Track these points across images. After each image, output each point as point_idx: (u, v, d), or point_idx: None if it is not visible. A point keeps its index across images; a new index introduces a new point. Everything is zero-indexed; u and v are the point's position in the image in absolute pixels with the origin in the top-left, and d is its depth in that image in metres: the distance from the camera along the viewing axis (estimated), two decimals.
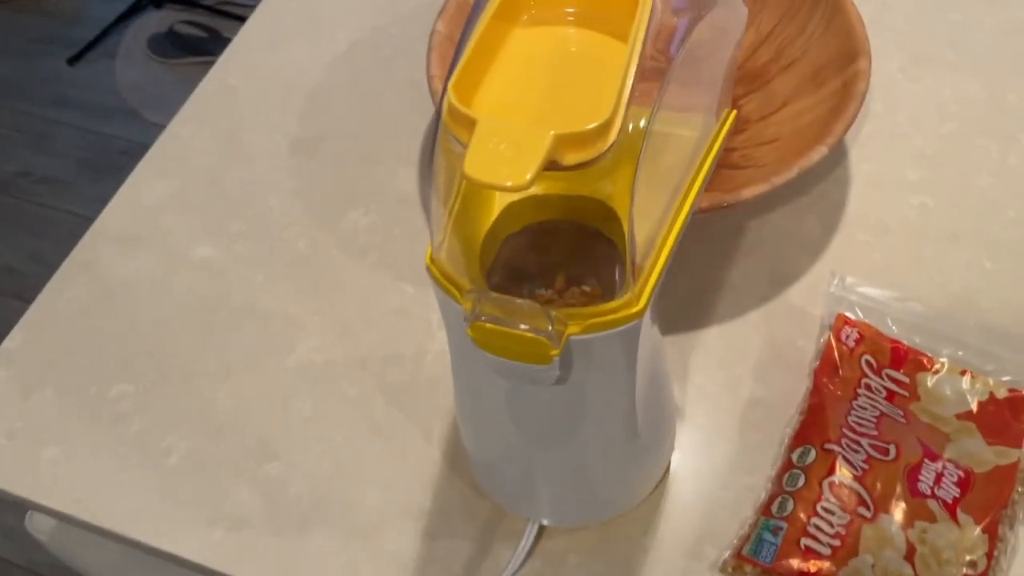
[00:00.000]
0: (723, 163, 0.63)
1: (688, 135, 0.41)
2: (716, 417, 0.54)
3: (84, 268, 0.65)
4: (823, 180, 0.65)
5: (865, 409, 0.52)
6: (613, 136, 0.31)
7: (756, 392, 0.56)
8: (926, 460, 0.50)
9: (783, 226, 0.63)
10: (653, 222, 0.38)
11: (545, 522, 0.51)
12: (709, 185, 0.42)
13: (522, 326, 0.34)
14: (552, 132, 0.30)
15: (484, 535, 0.52)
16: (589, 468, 0.47)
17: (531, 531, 0.50)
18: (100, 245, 0.66)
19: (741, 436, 0.54)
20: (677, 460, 0.53)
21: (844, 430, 0.51)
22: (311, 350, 0.60)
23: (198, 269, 0.64)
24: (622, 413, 0.43)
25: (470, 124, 0.31)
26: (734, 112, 0.44)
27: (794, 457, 0.51)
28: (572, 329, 0.35)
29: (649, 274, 0.37)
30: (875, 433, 0.51)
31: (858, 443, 0.50)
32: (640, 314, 0.36)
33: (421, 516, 0.53)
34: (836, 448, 0.50)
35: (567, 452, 0.45)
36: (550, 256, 0.40)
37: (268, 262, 0.64)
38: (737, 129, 0.64)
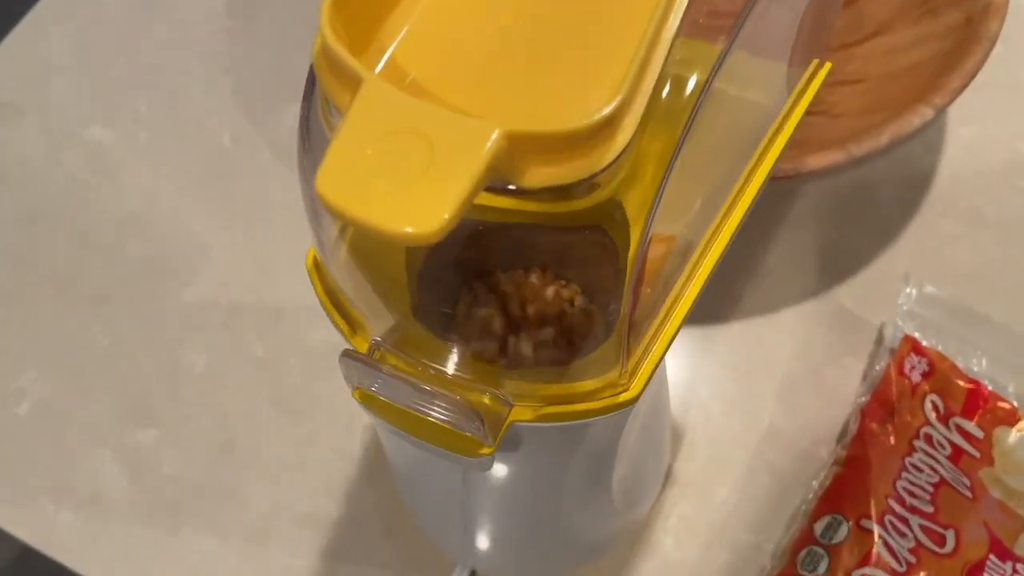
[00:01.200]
0: None
1: (747, 101, 0.26)
2: (720, 447, 0.42)
3: None
4: (907, 139, 0.49)
5: (921, 472, 0.39)
6: (622, 140, 0.16)
7: (778, 421, 0.42)
8: (992, 557, 0.37)
9: (845, 195, 0.48)
10: (673, 251, 0.23)
11: (479, 573, 0.39)
12: None
13: (435, 413, 0.21)
14: (502, 128, 0.15)
15: (402, 565, 0.39)
16: (538, 531, 0.34)
17: None
18: None
19: (750, 479, 0.41)
20: (665, 499, 0.41)
21: (890, 500, 0.38)
22: (216, 286, 0.46)
23: (88, 155, 0.49)
24: (589, 487, 0.30)
25: (351, 84, 0.16)
26: (828, 66, 0.29)
27: (817, 529, 0.38)
28: (520, 416, 0.22)
29: (654, 339, 0.23)
30: (930, 510, 0.38)
31: (906, 522, 0.37)
32: (631, 402, 0.22)
33: (324, 528, 0.41)
34: (876, 528, 0.37)
35: (512, 517, 0.33)
36: (524, 251, 0.26)
37: (177, 158, 0.49)
38: None
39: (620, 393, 0.22)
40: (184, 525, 0.41)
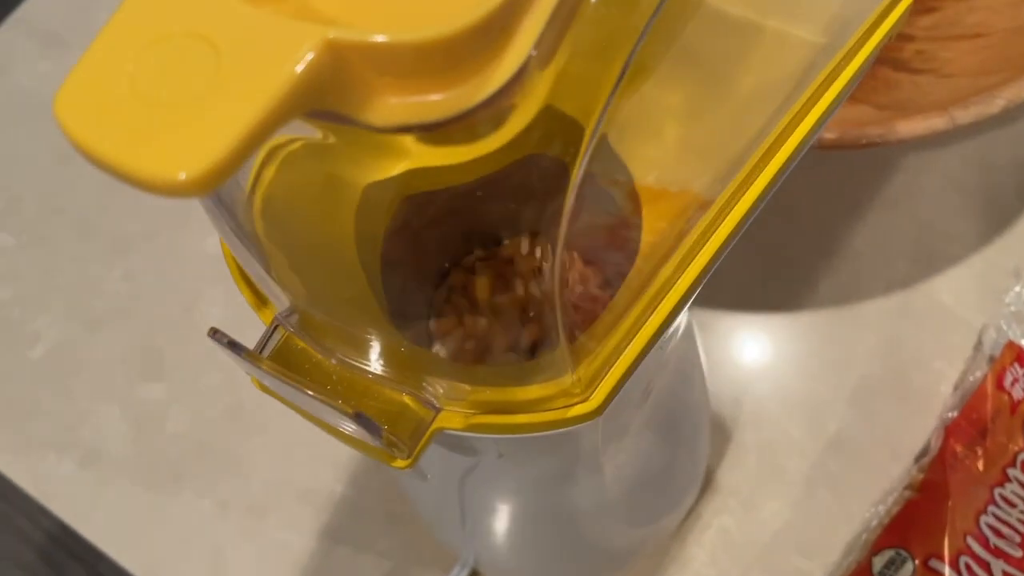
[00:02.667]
0: (886, 57, 0.40)
1: (779, 33, 0.20)
2: (774, 454, 0.37)
3: None
4: None
5: (1013, 507, 0.32)
6: (517, 55, 0.11)
7: (847, 429, 0.36)
8: None
9: (953, 173, 0.41)
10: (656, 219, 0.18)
11: (480, 572, 0.34)
12: (853, 93, 0.22)
13: (329, 419, 0.16)
14: (323, 36, 0.10)
15: (403, 553, 0.36)
16: (536, 538, 0.29)
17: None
18: None
19: (806, 493, 0.35)
20: (703, 507, 0.35)
21: (969, 539, 0.31)
22: None
23: None
24: (582, 498, 0.26)
25: None
26: None
27: (877, 565, 0.32)
28: (448, 423, 0.17)
29: (629, 336, 0.18)
30: (1019, 555, 0.31)
31: (987, 568, 0.31)
32: (586, 418, 0.17)
33: (326, 507, 0.37)
34: (948, 572, 0.31)
35: (508, 522, 0.28)
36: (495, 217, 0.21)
37: None
38: (922, 7, 0.41)
39: (573, 405, 0.17)
40: (184, 488, 0.39)
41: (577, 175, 0.15)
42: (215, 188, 0.10)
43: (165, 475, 0.39)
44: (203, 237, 0.44)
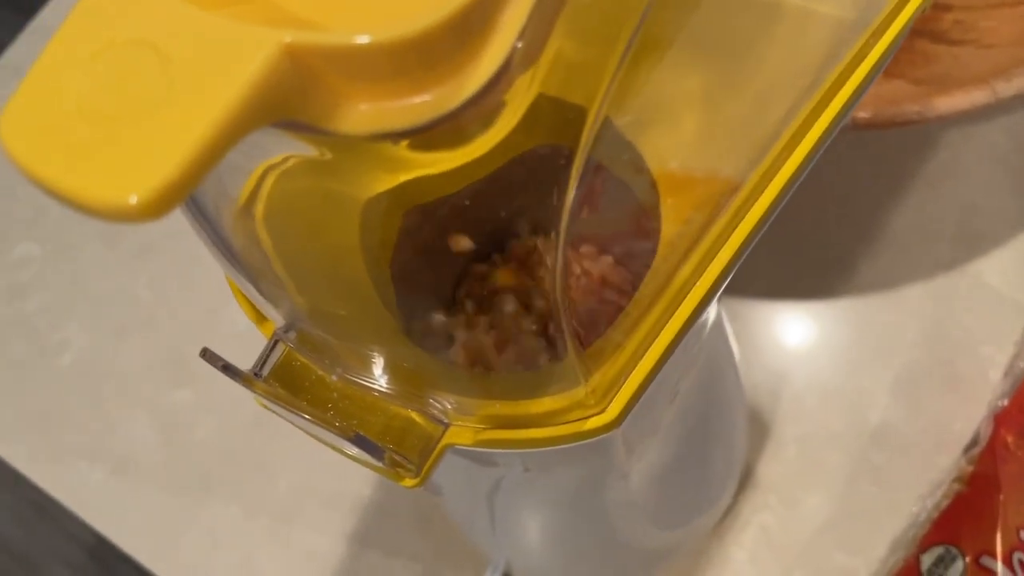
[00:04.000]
0: (922, 29, 0.38)
1: (801, 9, 0.19)
2: (815, 446, 0.36)
3: None
4: None
5: None
6: (496, 54, 0.10)
7: (891, 419, 0.35)
8: None
9: (1000, 150, 0.39)
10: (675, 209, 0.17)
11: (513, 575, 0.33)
12: (888, 68, 0.20)
13: (330, 441, 0.16)
14: (281, 39, 0.09)
15: (434, 558, 0.35)
16: (568, 540, 0.29)
17: None
18: None
19: (849, 487, 0.34)
20: (742, 505, 0.34)
21: (1023, 534, 0.30)
22: None
23: None
24: (610, 502, 0.25)
25: None
26: None
27: (925, 562, 0.30)
28: (457, 439, 0.16)
29: (647, 341, 0.17)
30: None
31: None
32: (602, 431, 0.17)
33: (355, 511, 0.37)
34: (1000, 570, 0.29)
35: (538, 524, 0.27)
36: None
37: None
38: None
39: (588, 418, 0.16)
40: (213, 494, 0.38)
41: (579, 163, 0.14)
42: (168, 210, 0.10)
43: (194, 481, 0.39)
44: None
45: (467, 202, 0.17)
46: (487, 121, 0.13)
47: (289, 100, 0.10)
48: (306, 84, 0.10)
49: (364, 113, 0.10)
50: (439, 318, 0.20)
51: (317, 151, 0.13)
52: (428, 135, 0.11)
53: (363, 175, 0.15)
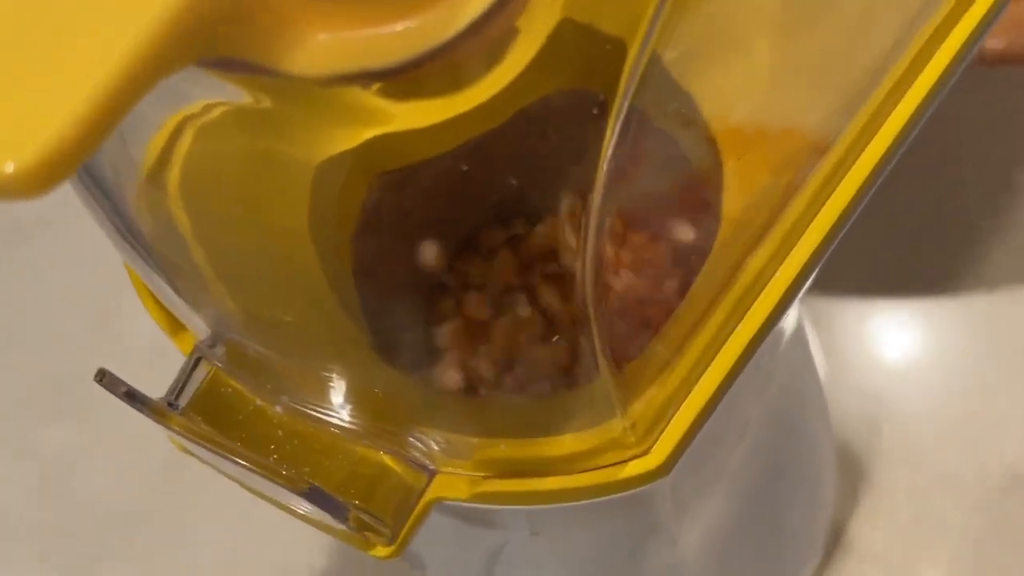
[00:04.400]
0: None
1: None
2: (933, 499, 0.36)
3: None
4: None
5: None
6: None
7: None
8: None
9: None
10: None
11: None
12: None
13: (296, 504, 0.17)
14: None
15: None
16: None
17: None
18: None
19: (979, 554, 0.35)
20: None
21: None
22: None
23: None
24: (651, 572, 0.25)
25: None
26: None
27: None
28: (447, 492, 0.17)
29: (707, 356, 0.18)
30: None
31: None
32: (647, 479, 0.17)
33: None
34: None
35: None
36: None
37: None
38: None
39: (627, 462, 0.17)
40: (108, 571, 0.39)
41: (618, 115, 0.14)
42: (58, 182, 0.10)
43: (83, 551, 0.39)
44: None
45: (463, 167, 0.17)
46: (492, 57, 0.13)
47: (222, 29, 0.10)
48: (244, 6, 0.10)
49: (323, 46, 0.11)
50: (419, 326, 0.20)
51: (251, 97, 0.13)
52: (411, 77, 0.12)
53: (316, 130, 0.16)
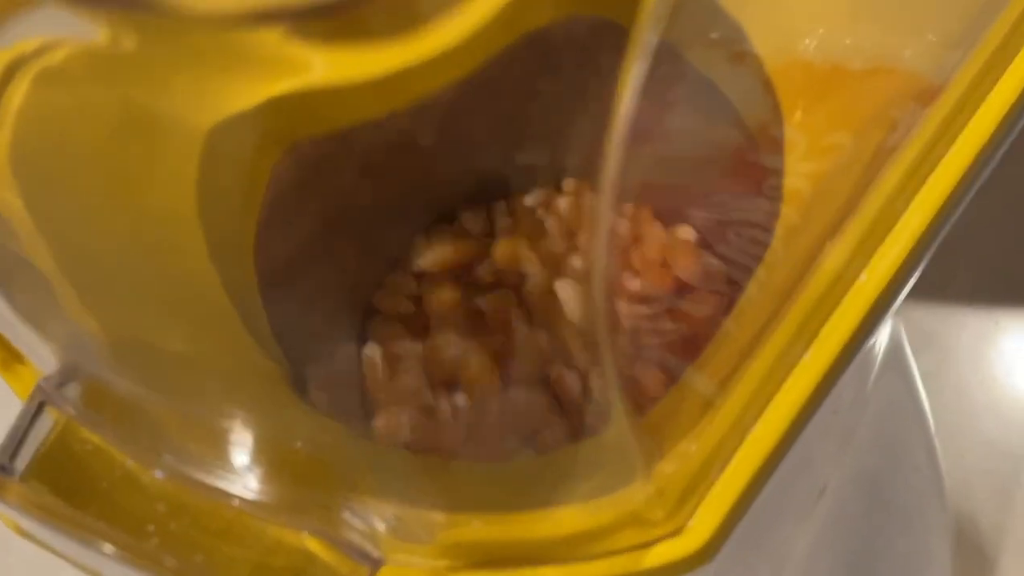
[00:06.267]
0: None
1: None
2: None
3: None
4: None
5: None
6: None
7: None
8: None
9: None
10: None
11: None
12: None
13: None
14: None
15: None
16: None
17: None
18: None
19: None
20: None
21: None
22: None
23: None
24: None
25: None
26: None
27: None
28: None
29: (761, 394, 0.17)
30: None
31: None
32: (685, 566, 0.17)
33: None
34: None
35: None
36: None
37: None
38: None
39: (652, 544, 0.17)
40: None
41: (640, 50, 0.14)
42: None
43: None
44: None
45: (402, 140, 0.17)
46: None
47: None
48: None
49: None
50: (352, 350, 0.20)
51: (107, 33, 0.13)
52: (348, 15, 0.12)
53: (204, 82, 0.16)
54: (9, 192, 0.16)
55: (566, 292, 0.18)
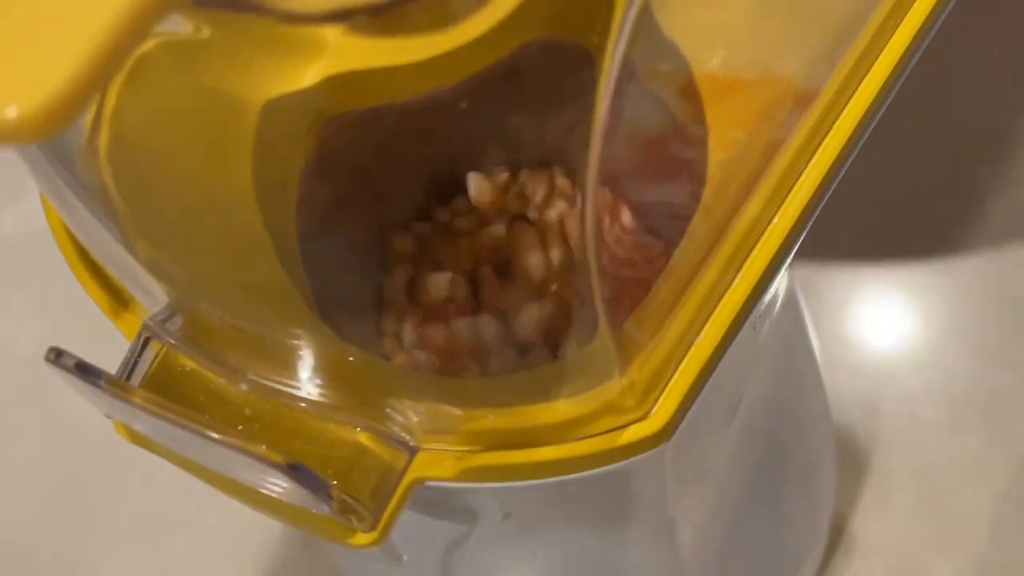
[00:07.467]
0: None
1: None
2: (942, 486, 0.38)
3: None
4: None
5: None
6: None
7: None
8: None
9: None
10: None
11: None
12: None
13: (246, 476, 0.18)
14: None
15: None
16: None
17: None
18: None
19: (999, 546, 0.37)
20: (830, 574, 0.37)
21: None
22: None
23: None
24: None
25: None
26: None
27: None
28: (431, 472, 0.19)
29: (708, 306, 0.19)
30: None
31: None
32: (648, 445, 0.19)
33: None
34: None
35: None
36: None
37: None
38: None
39: (626, 427, 0.19)
40: None
41: (614, 62, 0.15)
42: (63, 125, 0.11)
43: None
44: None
45: (424, 117, 0.18)
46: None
47: None
48: None
49: None
50: (369, 310, 0.22)
51: (191, 27, 0.14)
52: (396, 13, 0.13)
53: (261, 63, 0.17)
54: (109, 173, 0.17)
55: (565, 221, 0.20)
